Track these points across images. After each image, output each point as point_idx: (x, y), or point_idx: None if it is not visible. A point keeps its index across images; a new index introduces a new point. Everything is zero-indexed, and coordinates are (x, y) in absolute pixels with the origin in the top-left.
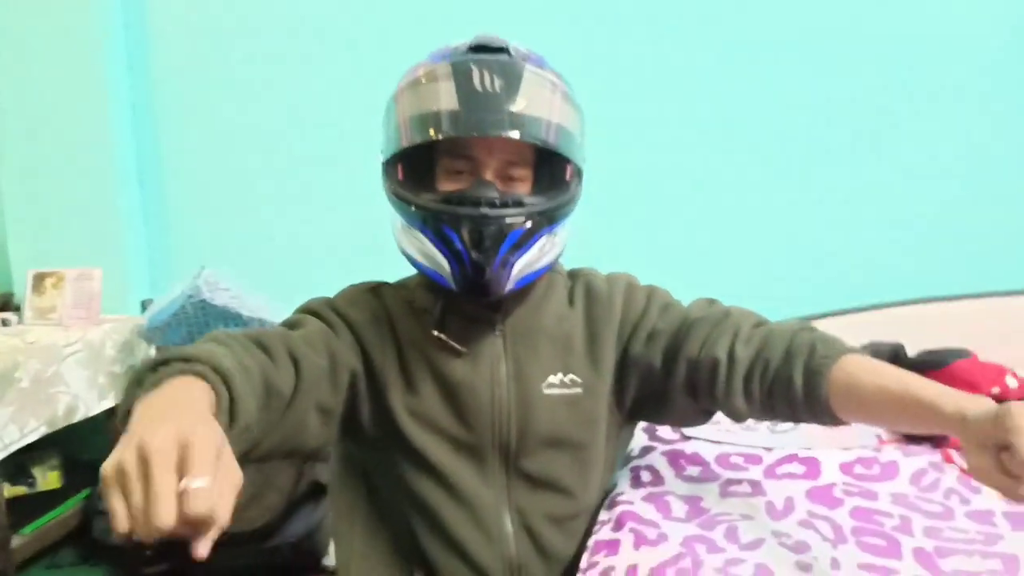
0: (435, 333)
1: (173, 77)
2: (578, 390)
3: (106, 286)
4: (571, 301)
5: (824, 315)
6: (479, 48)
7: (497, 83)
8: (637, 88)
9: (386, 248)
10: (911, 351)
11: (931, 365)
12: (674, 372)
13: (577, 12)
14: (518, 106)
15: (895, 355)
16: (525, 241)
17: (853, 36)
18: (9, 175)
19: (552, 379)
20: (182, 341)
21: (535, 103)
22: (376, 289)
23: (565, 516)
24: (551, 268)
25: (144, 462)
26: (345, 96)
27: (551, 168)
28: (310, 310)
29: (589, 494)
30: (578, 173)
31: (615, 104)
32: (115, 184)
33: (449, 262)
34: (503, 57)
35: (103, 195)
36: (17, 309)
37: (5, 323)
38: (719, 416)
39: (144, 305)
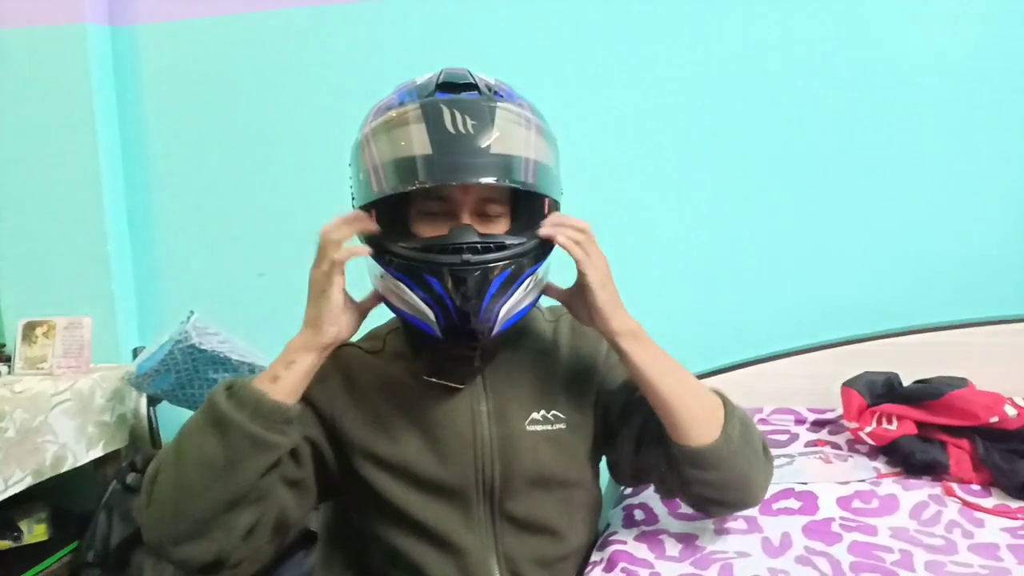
0: (426, 378)
1: (163, 129)
2: (561, 426)
3: (97, 335)
4: (554, 336)
5: (818, 346)
6: (446, 85)
7: (470, 123)
8: (625, 123)
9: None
10: (906, 381)
11: (927, 395)
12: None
13: (567, 35)
14: (493, 147)
15: (890, 385)
16: (510, 285)
17: (844, 68)
18: (2, 226)
19: (535, 415)
20: (171, 388)
21: (510, 142)
22: (333, 353)
23: (554, 559)
24: (535, 305)
25: None
26: (332, 143)
27: (529, 203)
28: None
29: (577, 535)
30: (555, 205)
31: (598, 137)
32: (105, 234)
33: (433, 311)
34: (473, 95)
35: (94, 245)
36: (8, 360)
37: None
38: None
39: (135, 353)
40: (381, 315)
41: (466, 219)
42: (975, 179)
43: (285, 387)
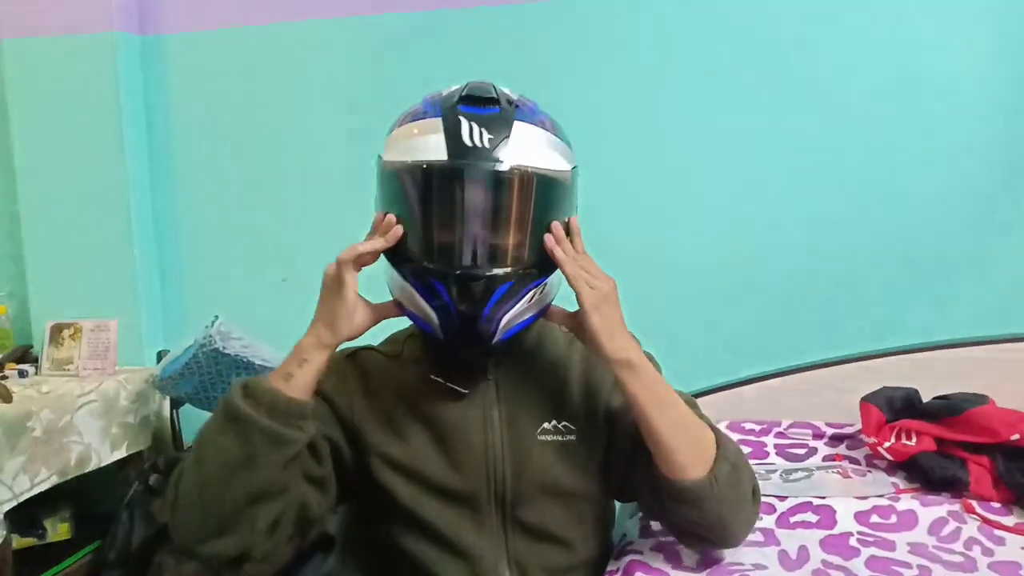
0: (433, 377)
1: (190, 136)
2: (571, 437)
3: (122, 338)
4: (569, 348)
5: (837, 361)
6: (469, 99)
7: (486, 137)
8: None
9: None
10: (926, 396)
11: (947, 411)
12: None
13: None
14: (506, 160)
15: (909, 400)
16: (513, 295)
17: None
18: (31, 230)
19: (546, 425)
20: (194, 391)
21: (523, 156)
22: (353, 355)
23: (564, 568)
24: (542, 315)
25: None
26: (356, 151)
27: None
28: None
29: (588, 547)
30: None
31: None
32: (132, 238)
33: (437, 314)
34: (493, 110)
35: (120, 249)
36: (35, 361)
37: (22, 374)
38: None
39: (160, 356)
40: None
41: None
42: (996, 190)
43: (299, 384)
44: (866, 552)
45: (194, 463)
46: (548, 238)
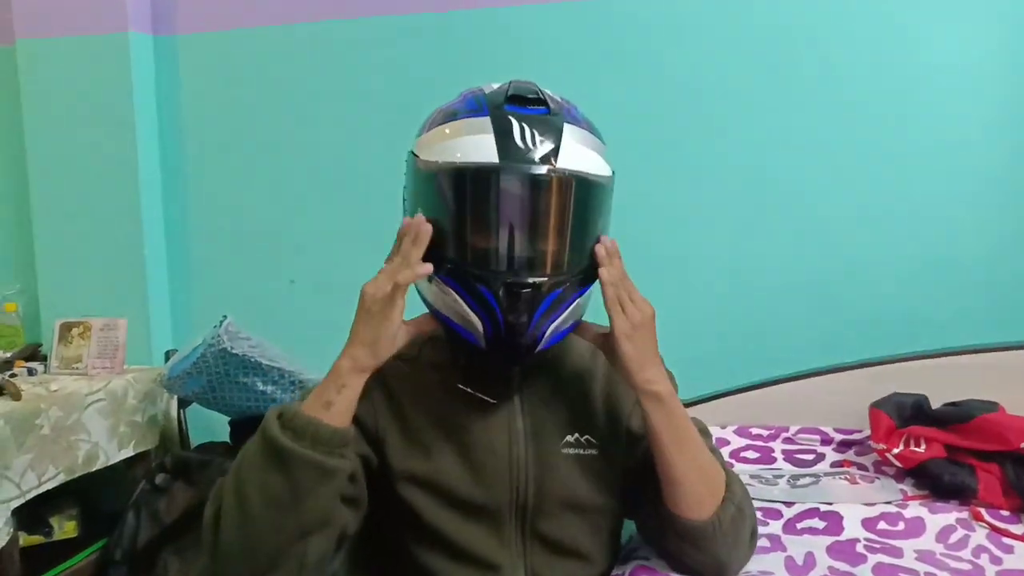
0: (460, 387)
1: (201, 137)
2: (593, 451)
3: (131, 337)
4: (592, 358)
5: (846, 366)
6: (516, 98)
7: (538, 138)
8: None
9: (410, 293)
10: (935, 403)
11: (957, 418)
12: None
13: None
14: (559, 163)
15: (918, 407)
16: (561, 303)
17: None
18: (42, 229)
19: (569, 438)
20: (202, 391)
21: (575, 160)
22: None
23: None
24: (577, 326)
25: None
26: (367, 153)
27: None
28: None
29: (604, 558)
30: (609, 224)
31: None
32: (142, 238)
33: (482, 321)
34: (541, 111)
35: (130, 248)
36: (44, 359)
37: (31, 372)
38: (738, 469)
39: (168, 356)
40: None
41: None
42: (1013, 199)
43: (339, 412)
44: (873, 559)
45: (235, 504)
46: (600, 249)
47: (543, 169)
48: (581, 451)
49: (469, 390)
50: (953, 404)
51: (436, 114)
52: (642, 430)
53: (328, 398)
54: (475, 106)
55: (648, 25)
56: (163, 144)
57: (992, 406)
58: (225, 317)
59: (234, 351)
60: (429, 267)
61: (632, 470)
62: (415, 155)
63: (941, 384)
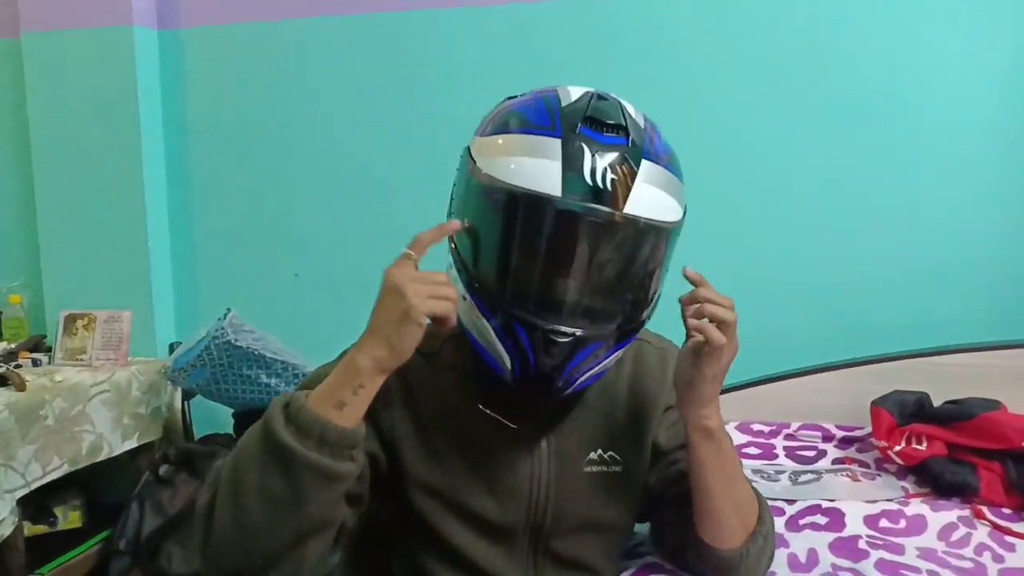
0: (482, 408)
1: (205, 130)
2: (617, 468)
3: (135, 329)
4: (617, 366)
5: (848, 363)
6: (594, 121)
7: (609, 177)
8: None
9: None
10: (937, 401)
11: (958, 416)
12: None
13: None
14: (628, 207)
15: (920, 405)
16: (600, 355)
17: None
18: (47, 221)
19: (592, 455)
20: (206, 383)
21: (647, 204)
22: None
23: None
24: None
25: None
26: (370, 149)
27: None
28: (315, 384)
29: (612, 571)
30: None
31: None
32: (147, 231)
33: (512, 360)
34: (619, 141)
35: (135, 241)
36: (49, 351)
37: (36, 363)
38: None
39: (172, 348)
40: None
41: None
42: (1013, 198)
43: (352, 413)
44: (875, 554)
45: (231, 498)
46: (691, 306)
47: (609, 215)
48: (605, 468)
49: (490, 412)
50: (955, 402)
51: (500, 113)
52: (668, 445)
53: (342, 398)
54: (547, 120)
55: (649, 25)
56: (167, 137)
57: (994, 404)
58: (229, 310)
59: (238, 344)
60: (457, 223)
61: (654, 487)
62: (471, 156)
63: (943, 382)
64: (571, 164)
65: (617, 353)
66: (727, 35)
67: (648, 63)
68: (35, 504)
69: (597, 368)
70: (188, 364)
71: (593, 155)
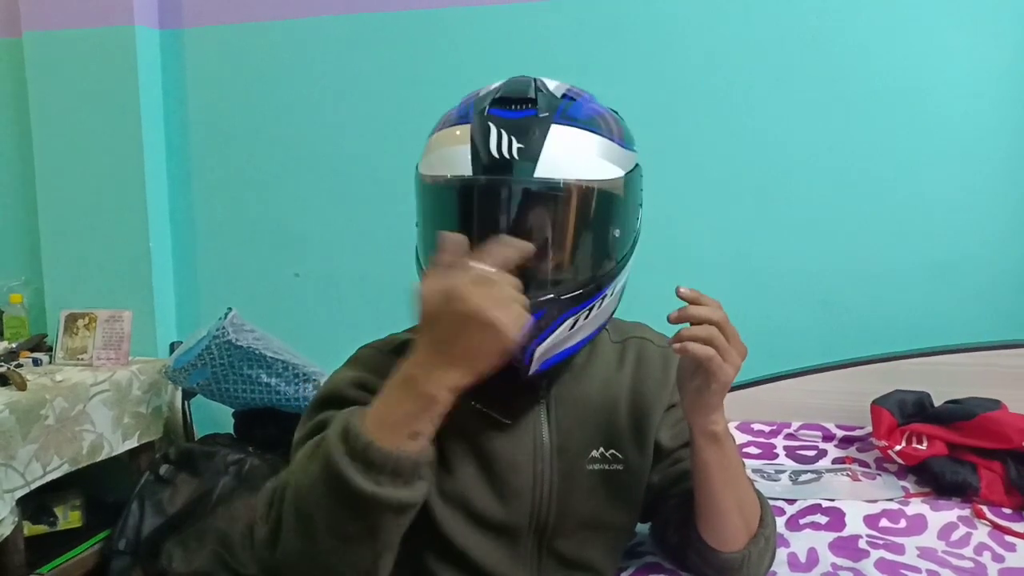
0: (473, 404)
1: (206, 130)
2: (619, 467)
3: (136, 328)
4: (620, 362)
5: (849, 363)
6: (503, 100)
7: (515, 147)
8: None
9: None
10: (937, 401)
11: (959, 415)
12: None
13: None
14: (539, 171)
15: (920, 404)
16: (546, 324)
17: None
18: (48, 220)
19: (594, 453)
20: (207, 382)
21: (562, 166)
22: (401, 347)
23: None
24: (592, 339)
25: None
26: (370, 147)
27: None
28: (336, 397)
29: (614, 570)
30: (626, 231)
31: None
32: (148, 231)
33: None
34: (527, 113)
35: (136, 241)
36: (50, 350)
37: (37, 363)
38: None
39: (173, 347)
40: None
41: None
42: (1014, 197)
43: (425, 439)
44: (875, 554)
45: (299, 532)
46: (674, 318)
47: (514, 179)
48: (607, 467)
49: (484, 409)
50: (955, 402)
51: (440, 120)
52: (671, 444)
53: (418, 428)
54: (464, 111)
55: (650, 24)
56: (168, 137)
57: (994, 404)
58: (230, 309)
59: (239, 343)
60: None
61: (656, 485)
62: (419, 161)
63: (943, 382)
64: (478, 143)
65: (570, 322)
66: (727, 34)
67: (649, 63)
68: (35, 504)
69: (550, 340)
70: (189, 364)
71: (499, 130)
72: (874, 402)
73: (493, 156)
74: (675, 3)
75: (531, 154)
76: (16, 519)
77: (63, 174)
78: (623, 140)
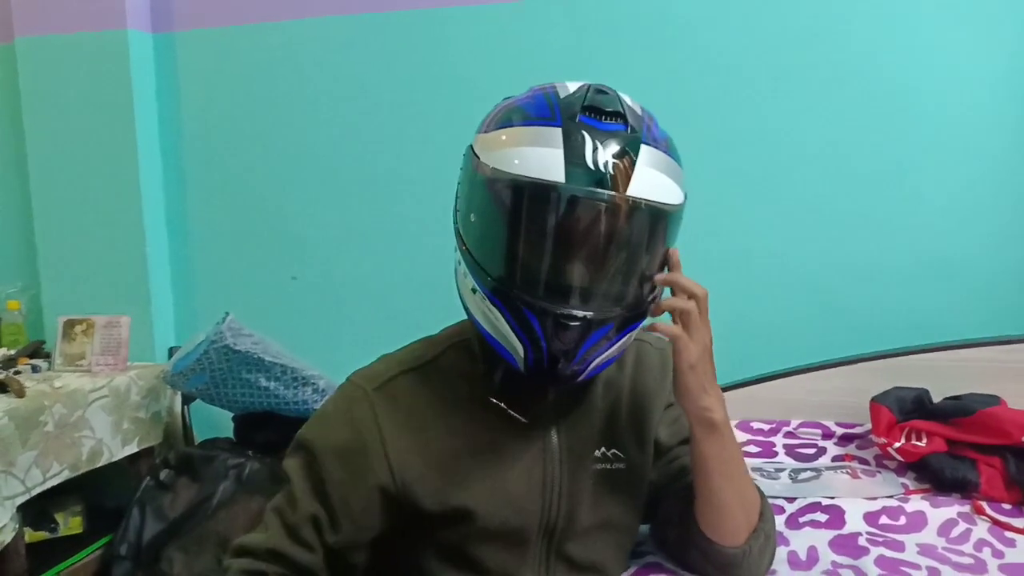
0: (493, 400)
1: (201, 134)
2: (621, 466)
3: (134, 334)
4: (619, 365)
5: (848, 360)
6: (592, 109)
7: (611, 162)
8: None
9: (413, 289)
10: (936, 397)
11: (958, 412)
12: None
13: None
14: (631, 190)
15: (920, 401)
16: (612, 337)
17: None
18: (44, 226)
19: (597, 453)
20: (205, 387)
21: (649, 187)
22: (392, 382)
23: None
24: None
25: None
26: (365, 150)
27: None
28: (315, 459)
29: (621, 571)
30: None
31: None
32: (144, 236)
33: (524, 347)
34: (618, 128)
35: (132, 246)
36: (48, 356)
37: (35, 369)
38: None
39: (171, 352)
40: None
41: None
42: (1013, 194)
43: None
44: (875, 551)
45: None
46: (661, 279)
47: (613, 197)
48: (609, 466)
49: (502, 405)
50: (954, 398)
51: (501, 110)
52: (669, 441)
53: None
54: (547, 112)
55: (651, 23)
56: (163, 141)
57: (993, 400)
58: (227, 314)
59: (237, 348)
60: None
61: (656, 483)
62: (475, 153)
63: (942, 378)
64: (573, 151)
65: (626, 338)
66: (728, 33)
67: (648, 62)
68: (36, 510)
69: (607, 353)
70: (187, 368)
71: (594, 141)
72: (873, 399)
73: (590, 169)
74: (675, 3)
75: (625, 172)
76: (17, 526)
77: (58, 180)
78: (680, 162)
